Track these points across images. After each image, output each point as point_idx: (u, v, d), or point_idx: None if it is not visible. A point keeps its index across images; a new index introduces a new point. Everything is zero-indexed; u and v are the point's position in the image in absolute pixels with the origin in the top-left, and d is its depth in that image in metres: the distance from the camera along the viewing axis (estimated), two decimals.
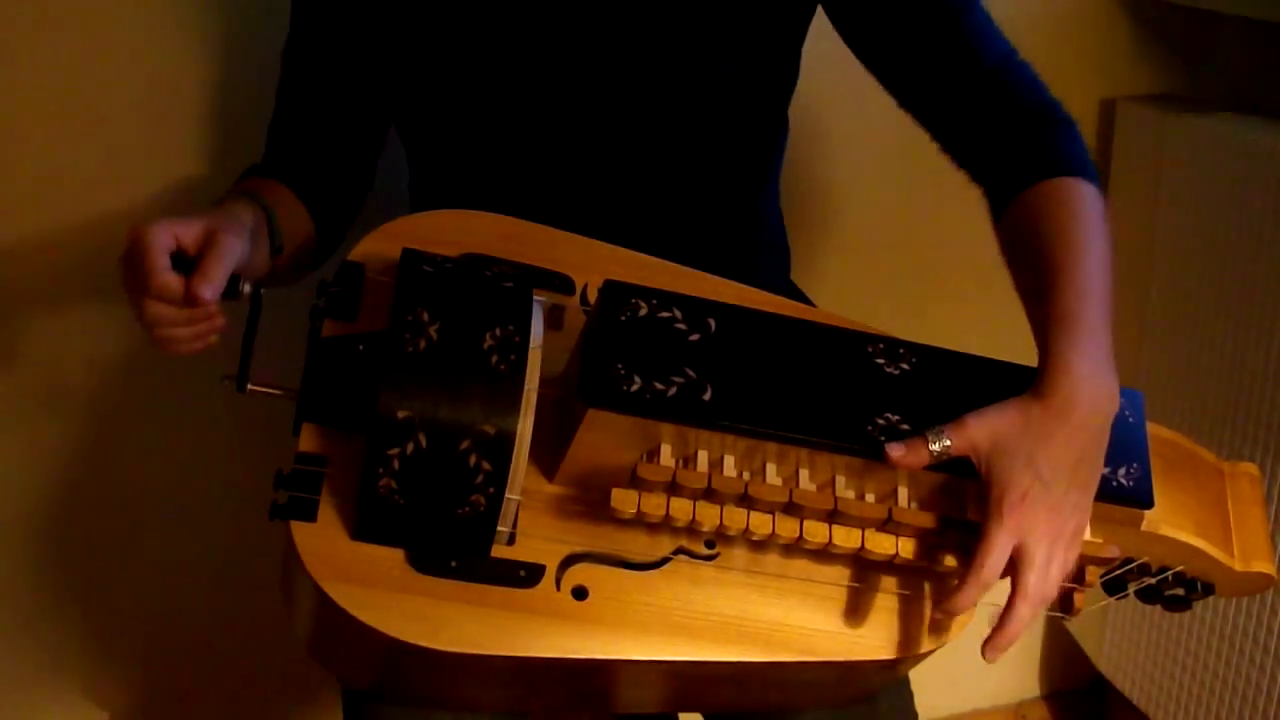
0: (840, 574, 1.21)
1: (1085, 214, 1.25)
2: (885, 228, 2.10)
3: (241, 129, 1.62)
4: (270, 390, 1.17)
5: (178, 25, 1.65)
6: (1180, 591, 1.35)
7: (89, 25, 1.61)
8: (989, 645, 1.15)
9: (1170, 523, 1.27)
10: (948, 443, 1.13)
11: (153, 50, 1.65)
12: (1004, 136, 1.33)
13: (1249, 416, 1.95)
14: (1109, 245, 1.25)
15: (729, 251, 1.47)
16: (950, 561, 1.17)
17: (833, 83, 1.92)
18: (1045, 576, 1.14)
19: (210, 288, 1.09)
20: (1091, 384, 1.14)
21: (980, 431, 1.13)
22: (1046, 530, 1.13)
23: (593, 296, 1.24)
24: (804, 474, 1.17)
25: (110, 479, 1.85)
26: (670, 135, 1.40)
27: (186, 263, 1.11)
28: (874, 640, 1.21)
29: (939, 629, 1.22)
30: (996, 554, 1.12)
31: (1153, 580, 1.34)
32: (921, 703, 1.46)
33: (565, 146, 1.40)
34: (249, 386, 1.16)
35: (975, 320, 2.12)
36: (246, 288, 1.14)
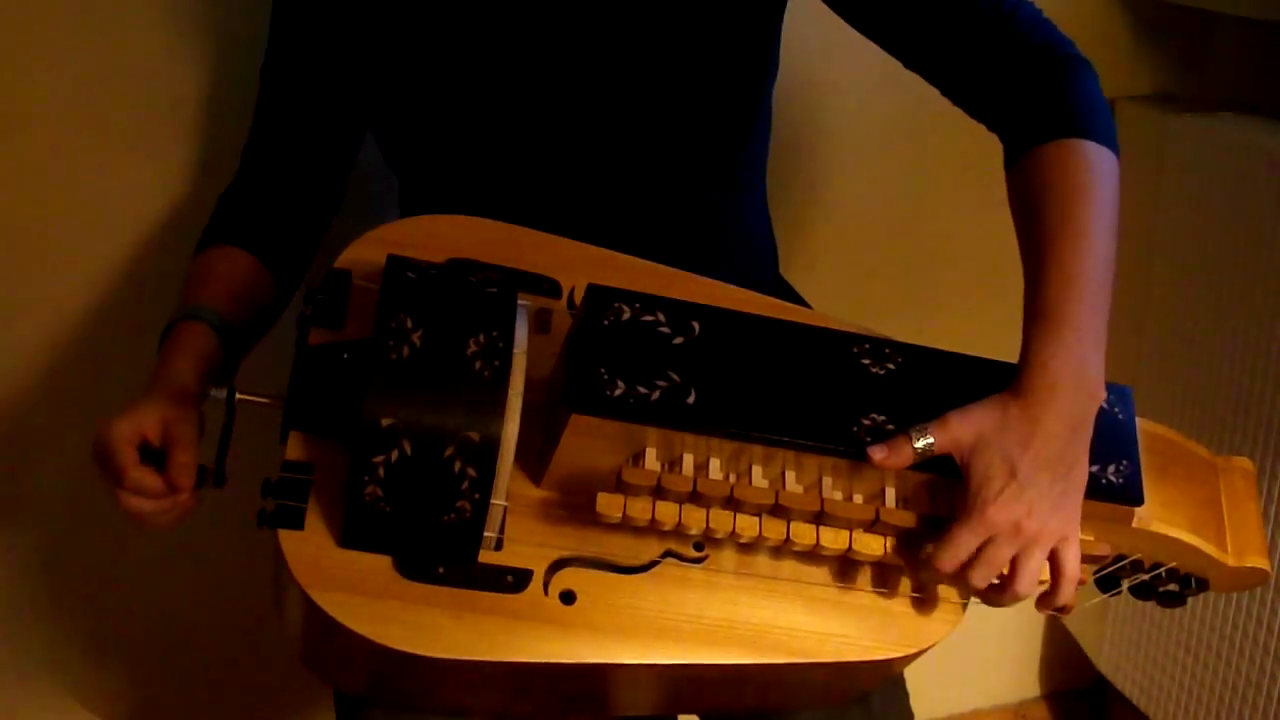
0: (829, 575, 1.21)
1: (1088, 187, 1.22)
2: (875, 222, 2.10)
3: (242, 131, 1.63)
4: (257, 398, 1.18)
5: (179, 27, 1.65)
6: (1174, 587, 1.35)
7: (90, 26, 1.62)
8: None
9: (1162, 519, 1.27)
10: (931, 440, 1.13)
11: (153, 50, 1.65)
12: (1012, 82, 1.30)
13: (1248, 416, 1.94)
14: (1113, 216, 1.22)
15: (715, 249, 1.48)
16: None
17: (819, 75, 1.93)
18: (987, 578, 1.15)
19: (186, 476, 1.19)
20: (1068, 383, 1.14)
21: (963, 429, 1.13)
22: (1021, 528, 1.13)
23: (580, 300, 1.24)
24: (790, 476, 1.17)
25: (102, 486, 1.85)
26: (648, 130, 1.40)
27: (152, 453, 1.20)
28: (864, 640, 1.21)
29: (929, 628, 1.22)
30: (959, 548, 1.13)
31: (1146, 577, 1.34)
32: (921, 703, 1.46)
33: (546, 147, 1.40)
34: (237, 395, 1.17)
35: (965, 313, 2.13)
36: (208, 476, 1.21)
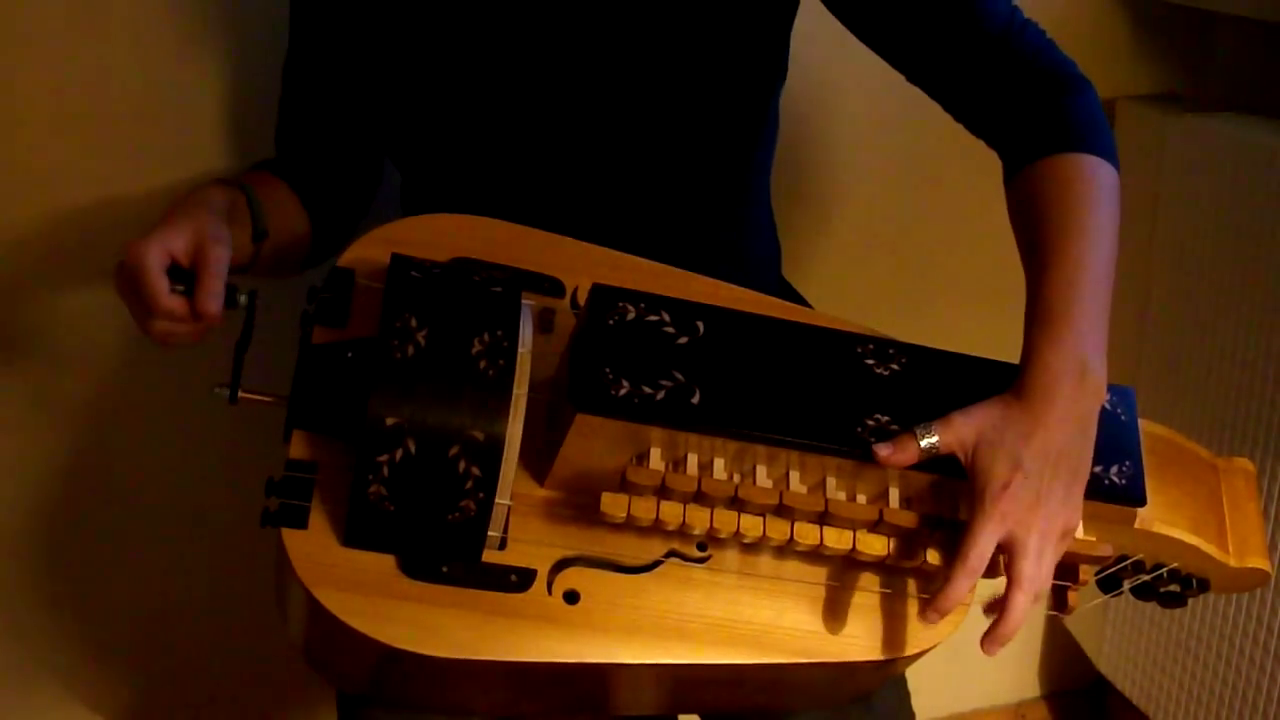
0: (833, 575, 1.21)
1: (1087, 195, 1.23)
2: (877, 224, 2.10)
3: (243, 131, 1.63)
4: (261, 397, 1.18)
5: (179, 27, 1.65)
6: (1175, 588, 1.35)
7: (89, 25, 1.62)
8: (988, 638, 1.15)
9: (1164, 520, 1.27)
10: (935, 439, 1.13)
11: (153, 51, 1.65)
12: (1015, 102, 1.31)
13: (1248, 416, 1.94)
14: (1112, 225, 1.23)
15: (719, 249, 1.47)
16: (940, 560, 1.17)
17: (825, 78, 1.93)
18: (1038, 565, 1.15)
19: (215, 302, 1.15)
20: (1070, 381, 1.14)
21: (966, 427, 1.14)
22: (1032, 521, 1.13)
23: (583, 299, 1.24)
24: (794, 476, 1.17)
25: (103, 485, 1.86)
26: (656, 132, 1.40)
27: (182, 274, 1.16)
28: (867, 641, 1.21)
29: (932, 628, 1.21)
30: (982, 544, 1.12)
31: (1147, 577, 1.34)
32: (921, 703, 1.46)
33: (552, 147, 1.40)
34: (240, 394, 1.17)
35: (968, 315, 2.13)
36: (243, 298, 1.17)
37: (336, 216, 1.50)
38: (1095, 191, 1.24)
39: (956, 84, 1.35)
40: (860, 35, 1.38)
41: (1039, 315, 1.18)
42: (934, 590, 1.16)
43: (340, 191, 1.51)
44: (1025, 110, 1.30)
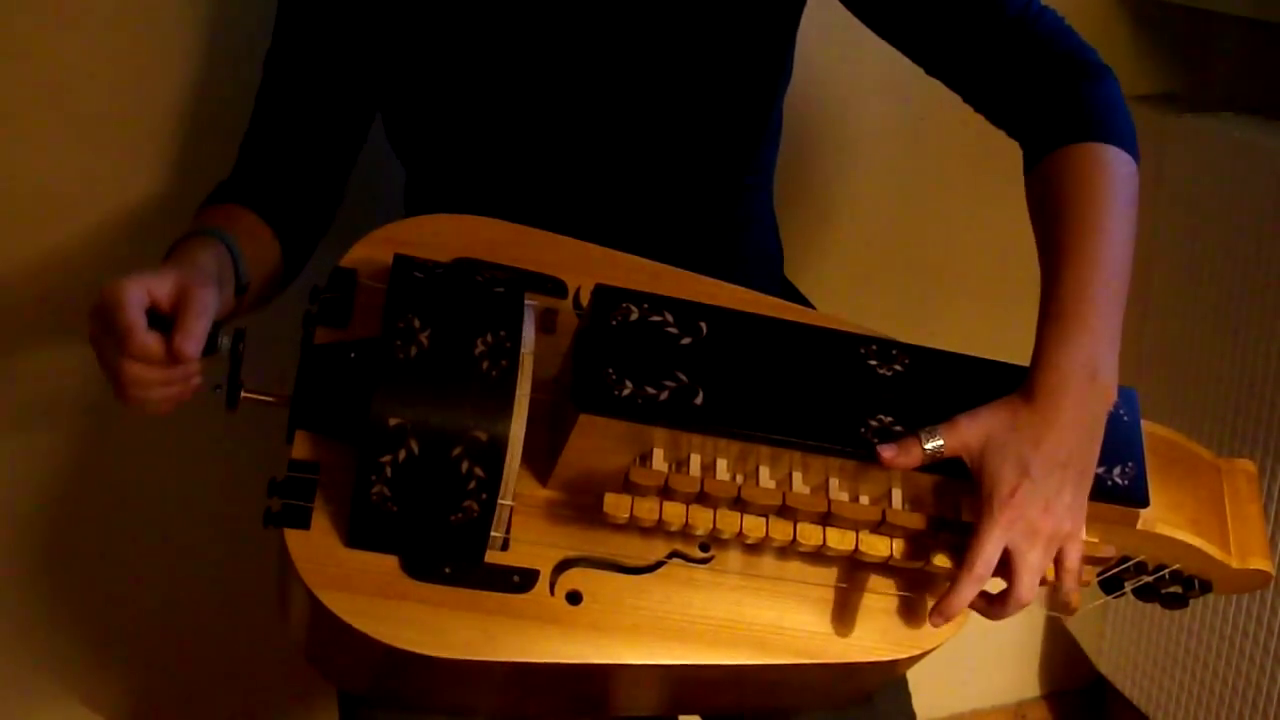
0: (835, 576, 1.21)
1: (1106, 190, 1.22)
2: (879, 224, 2.10)
3: (240, 134, 1.63)
4: (263, 397, 1.17)
5: (177, 31, 1.65)
6: (1178, 589, 1.35)
7: (90, 29, 1.62)
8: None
9: (1166, 521, 1.27)
10: (940, 442, 1.13)
11: (154, 56, 1.65)
12: (1033, 87, 1.30)
13: (1248, 416, 1.94)
14: (1129, 220, 1.22)
15: (722, 249, 1.48)
16: (944, 561, 1.16)
17: (830, 79, 1.93)
18: (1038, 570, 1.15)
19: (194, 344, 1.07)
20: (1080, 384, 1.14)
21: (972, 431, 1.13)
22: (1038, 528, 1.13)
23: (586, 299, 1.24)
24: (797, 477, 1.17)
25: (105, 486, 1.86)
26: (660, 132, 1.40)
27: (161, 320, 1.09)
28: (869, 641, 1.21)
29: (934, 629, 1.21)
30: (988, 551, 1.12)
31: (1150, 578, 1.34)
32: (921, 703, 1.46)
33: (556, 148, 1.40)
34: (243, 394, 1.16)
35: (970, 316, 2.13)
36: (225, 341, 1.12)
37: (303, 237, 1.44)
38: (1113, 185, 1.22)
39: (974, 70, 1.34)
40: (875, 26, 1.37)
41: (1052, 314, 1.17)
42: (939, 594, 1.15)
43: (305, 202, 1.45)
44: (1043, 97, 1.29)
